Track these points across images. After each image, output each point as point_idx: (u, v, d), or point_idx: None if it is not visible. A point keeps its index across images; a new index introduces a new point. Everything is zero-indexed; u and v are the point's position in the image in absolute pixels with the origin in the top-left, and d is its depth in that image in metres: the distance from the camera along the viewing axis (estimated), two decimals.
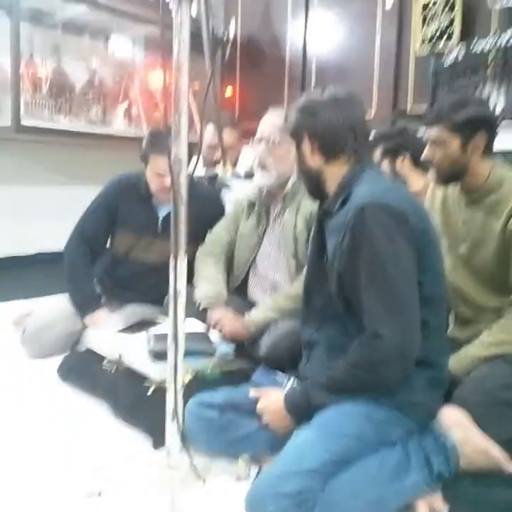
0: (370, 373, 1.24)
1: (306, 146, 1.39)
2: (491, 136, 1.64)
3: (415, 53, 3.63)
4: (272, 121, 1.93)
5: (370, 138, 2.24)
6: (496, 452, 1.32)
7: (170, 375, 1.15)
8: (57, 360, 1.99)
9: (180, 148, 1.11)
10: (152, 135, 2.19)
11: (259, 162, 1.95)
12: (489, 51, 3.33)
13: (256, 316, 1.88)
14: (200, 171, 1.40)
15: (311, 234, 1.56)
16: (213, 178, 1.41)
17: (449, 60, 3.49)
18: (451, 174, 1.66)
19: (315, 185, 1.44)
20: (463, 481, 1.31)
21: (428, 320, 1.28)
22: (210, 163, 2.36)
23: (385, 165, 2.21)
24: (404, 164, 2.21)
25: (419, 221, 1.29)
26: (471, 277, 1.71)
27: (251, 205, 2.10)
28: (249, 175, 1.55)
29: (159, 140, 2.11)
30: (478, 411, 1.36)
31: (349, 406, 1.25)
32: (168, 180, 2.07)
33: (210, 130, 2.57)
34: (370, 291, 1.23)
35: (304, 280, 1.53)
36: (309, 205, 1.93)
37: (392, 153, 2.19)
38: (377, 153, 2.24)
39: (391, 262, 1.22)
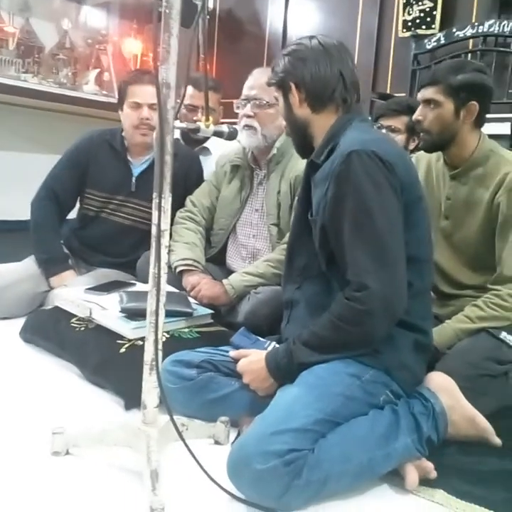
0: (355, 326, 1.17)
1: (294, 95, 1.33)
2: (485, 106, 1.60)
3: (397, 35, 3.61)
4: (259, 81, 1.83)
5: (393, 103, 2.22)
6: (483, 421, 1.29)
7: (150, 322, 1.06)
8: (20, 322, 1.87)
9: (169, 72, 1.02)
10: (130, 73, 2.17)
11: (245, 124, 1.85)
12: (470, 38, 3.34)
13: (235, 279, 1.81)
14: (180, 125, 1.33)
15: (298, 192, 1.49)
16: (194, 131, 1.33)
17: (430, 44, 3.48)
18: (440, 140, 1.62)
19: (302, 138, 1.39)
20: (449, 449, 1.28)
21: (412, 281, 1.22)
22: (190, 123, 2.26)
23: (398, 139, 2.16)
24: (412, 145, 2.17)
25: (407, 175, 1.24)
26: (453, 254, 1.68)
27: (234, 168, 2.01)
28: (231, 136, 1.47)
29: (138, 74, 2.07)
30: (463, 383, 1.33)
31: (337, 364, 1.19)
32: (145, 112, 1.98)
33: (189, 92, 2.47)
34: (356, 242, 1.17)
35: (289, 238, 1.46)
36: (294, 170, 1.86)
37: (412, 130, 2.13)
38: (399, 123, 2.20)
39: (378, 211, 1.16)
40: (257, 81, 1.83)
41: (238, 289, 1.78)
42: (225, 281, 1.81)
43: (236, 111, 1.89)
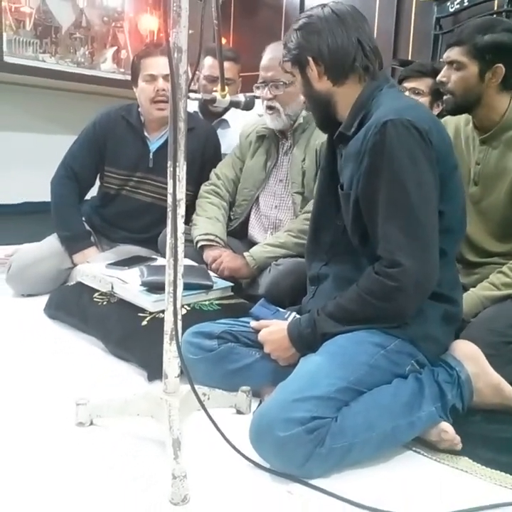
0: (385, 302, 1.16)
1: (312, 70, 1.27)
2: None
3: None
4: (274, 61, 1.77)
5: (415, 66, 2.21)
6: (508, 389, 1.27)
7: (168, 293, 1.06)
8: (44, 298, 1.90)
9: (180, 35, 1.00)
10: (142, 48, 2.14)
11: (267, 106, 1.83)
12: None
13: (256, 251, 1.79)
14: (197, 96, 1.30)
15: (321, 165, 1.46)
16: (210, 102, 1.30)
17: (453, 6, 3.35)
18: (464, 102, 1.56)
19: (325, 113, 1.33)
20: (474, 417, 1.26)
21: (446, 250, 1.20)
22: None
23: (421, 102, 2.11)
24: (436, 111, 2.10)
25: (442, 143, 1.20)
26: (480, 222, 1.64)
27: (259, 139, 1.99)
28: (248, 105, 1.43)
29: (150, 47, 2.06)
30: (488, 351, 1.30)
31: (361, 334, 1.18)
32: (160, 83, 1.98)
33: (208, 62, 2.44)
34: (390, 217, 1.15)
35: (312, 213, 1.43)
36: (321, 137, 1.82)
37: (436, 94, 2.06)
38: (422, 85, 2.16)
39: (413, 186, 1.13)
40: (271, 61, 1.79)
41: (259, 261, 1.77)
42: (245, 253, 1.80)
43: (256, 93, 1.86)
